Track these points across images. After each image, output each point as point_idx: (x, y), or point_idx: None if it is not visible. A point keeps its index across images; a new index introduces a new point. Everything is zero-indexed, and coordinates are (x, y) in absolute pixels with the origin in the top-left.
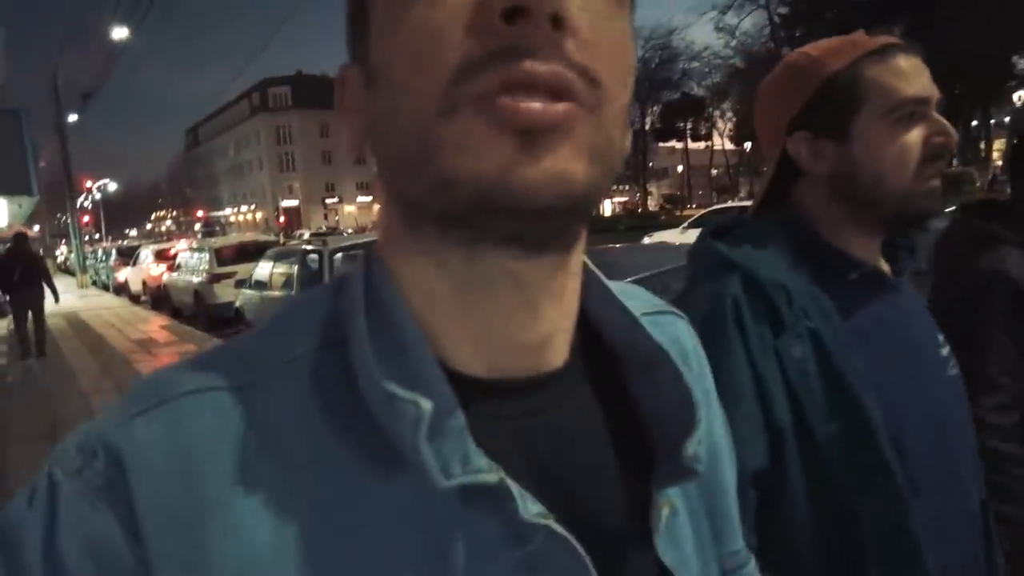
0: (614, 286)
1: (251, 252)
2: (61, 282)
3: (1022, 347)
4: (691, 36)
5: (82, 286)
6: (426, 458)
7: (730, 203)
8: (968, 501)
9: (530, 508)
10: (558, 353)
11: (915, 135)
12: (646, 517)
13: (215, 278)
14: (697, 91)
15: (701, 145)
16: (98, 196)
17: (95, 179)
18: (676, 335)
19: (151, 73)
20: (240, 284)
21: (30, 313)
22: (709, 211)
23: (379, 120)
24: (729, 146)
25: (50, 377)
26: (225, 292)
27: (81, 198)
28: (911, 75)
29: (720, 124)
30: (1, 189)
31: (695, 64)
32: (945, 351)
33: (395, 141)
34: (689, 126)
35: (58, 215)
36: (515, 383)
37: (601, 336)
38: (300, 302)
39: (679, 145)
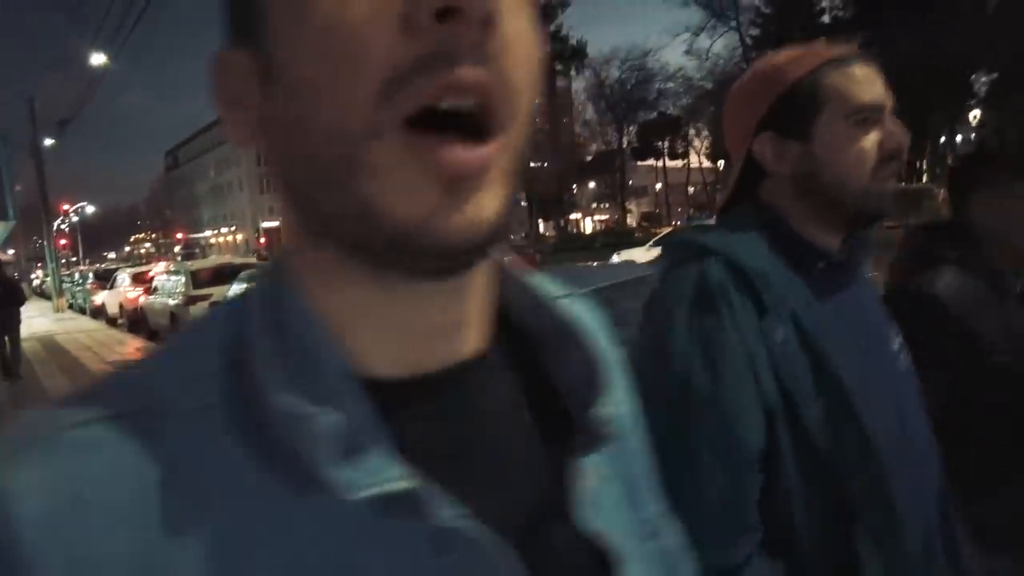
0: (528, 277)
1: (227, 274)
2: (37, 306)
3: (942, 365)
4: (666, 57)
5: (58, 310)
6: (330, 473)
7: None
8: (928, 490)
9: (444, 512)
10: (472, 342)
11: (871, 138)
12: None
13: (191, 300)
14: (673, 111)
15: (679, 163)
16: (75, 219)
17: (72, 202)
18: (577, 314)
19: (130, 96)
20: (215, 306)
21: (6, 337)
22: (673, 230)
23: (285, 124)
24: (706, 164)
25: (25, 400)
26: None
27: (58, 221)
28: (867, 82)
29: (696, 143)
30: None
31: (670, 84)
32: (897, 343)
33: (308, 152)
34: (666, 145)
35: (34, 238)
36: (432, 378)
37: (520, 324)
38: (202, 321)
39: (658, 163)
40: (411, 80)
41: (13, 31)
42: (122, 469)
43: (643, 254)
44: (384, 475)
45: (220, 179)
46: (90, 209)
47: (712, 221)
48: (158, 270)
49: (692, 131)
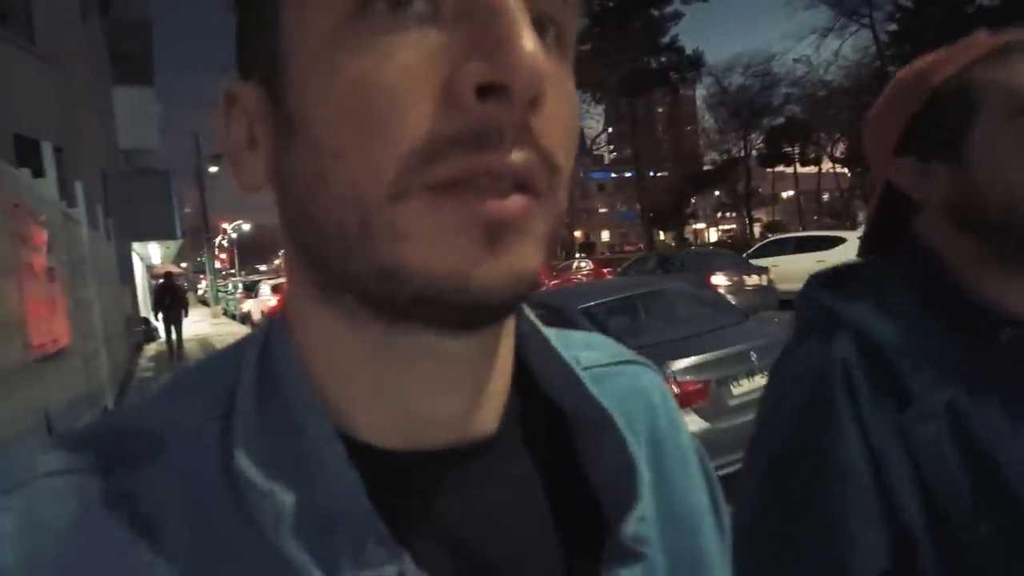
0: (564, 337)
1: None
2: (199, 312)
3: None
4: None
5: (215, 316)
6: (296, 558)
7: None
8: None
9: None
10: (486, 422)
11: None
12: None
13: None
14: (801, 115)
15: (813, 169)
16: (233, 236)
17: (231, 221)
18: (639, 386)
19: None
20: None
21: (173, 328)
22: (768, 241)
23: (300, 179)
24: (841, 169)
25: None
26: None
27: (218, 238)
28: None
29: (830, 148)
30: (154, 235)
31: (796, 89)
32: None
33: (326, 212)
34: (796, 151)
35: (200, 253)
36: (436, 456)
37: (544, 394)
38: (198, 368)
39: (787, 170)
40: (446, 156)
41: (180, 71)
42: (88, 526)
43: None
44: (368, 558)
45: None
46: (246, 227)
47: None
48: None
49: (823, 135)
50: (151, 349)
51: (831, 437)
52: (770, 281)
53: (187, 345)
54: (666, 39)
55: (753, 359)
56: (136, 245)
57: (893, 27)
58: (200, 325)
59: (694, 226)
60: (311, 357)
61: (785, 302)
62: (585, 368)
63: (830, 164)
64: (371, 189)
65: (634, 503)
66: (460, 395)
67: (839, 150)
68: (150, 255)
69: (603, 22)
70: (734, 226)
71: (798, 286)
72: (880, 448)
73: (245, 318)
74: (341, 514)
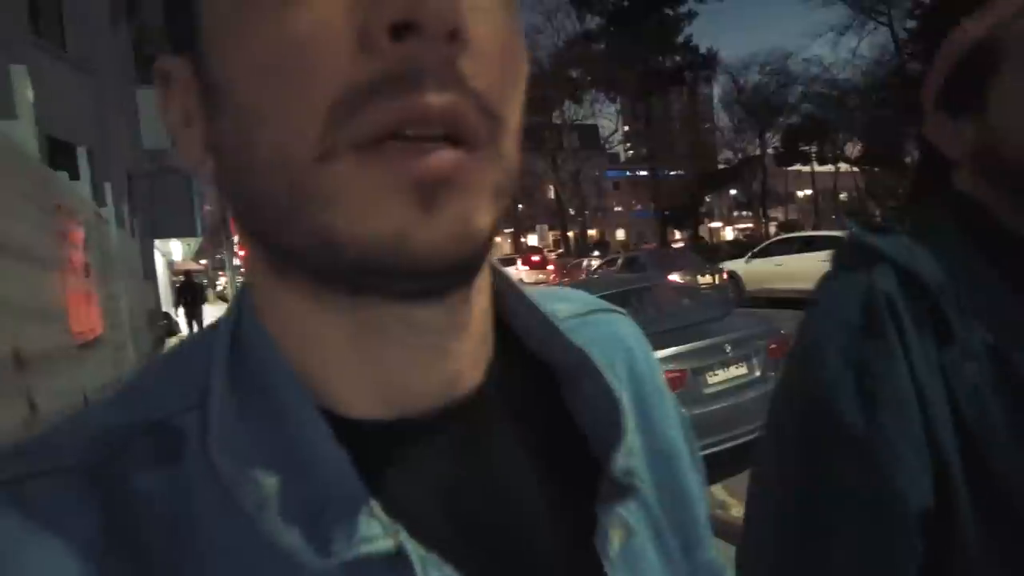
0: (539, 292)
1: None
2: (219, 308)
3: None
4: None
5: None
6: (286, 542)
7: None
8: None
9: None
10: (470, 384)
11: None
12: (595, 545)
13: None
14: (818, 113)
15: (829, 168)
16: None
17: None
18: (613, 331)
19: None
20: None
21: (194, 322)
22: (774, 240)
23: (229, 149)
24: (853, 169)
25: None
26: None
27: (237, 236)
28: None
29: (848, 147)
30: (175, 233)
31: (813, 87)
32: None
33: (255, 181)
34: (814, 149)
35: (220, 251)
36: (424, 419)
37: (524, 346)
38: (170, 355)
39: (805, 169)
40: (365, 105)
41: None
42: (69, 528)
43: (742, 266)
44: (361, 534)
45: None
46: None
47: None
48: None
49: (841, 135)
50: (173, 341)
51: (884, 364)
52: (723, 281)
53: None
54: (680, 38)
55: (728, 351)
56: (158, 242)
57: (912, 24)
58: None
59: (710, 225)
60: (282, 334)
61: (787, 301)
62: (563, 319)
63: (847, 163)
64: (296, 152)
65: (620, 437)
66: (437, 360)
67: (856, 149)
68: (172, 252)
69: (617, 21)
70: (751, 225)
71: (804, 285)
72: (923, 383)
73: None
74: (331, 493)
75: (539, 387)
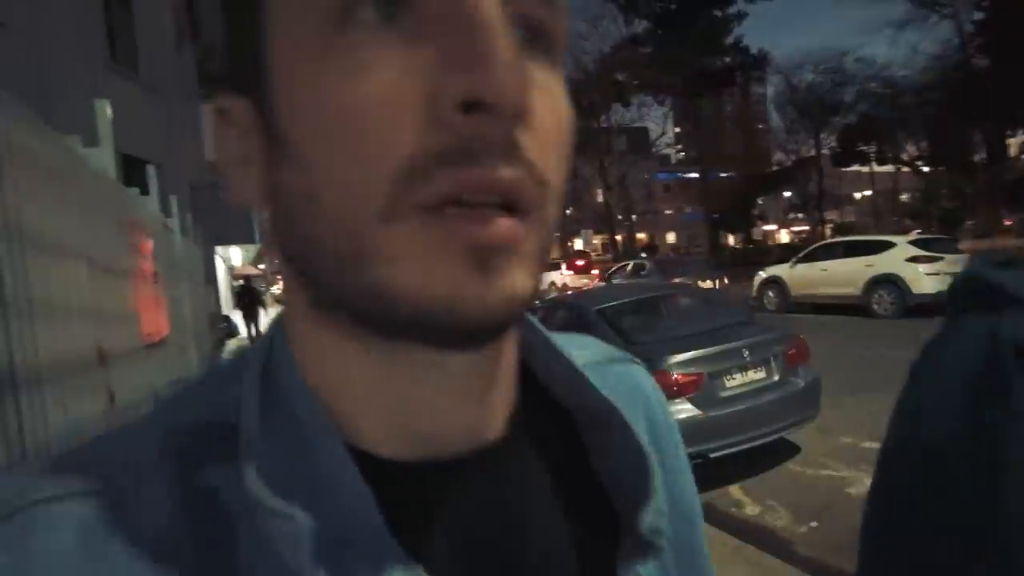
0: (560, 338)
1: None
2: (275, 310)
3: None
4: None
5: None
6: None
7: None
8: None
9: None
10: (494, 428)
11: None
12: None
13: None
14: (877, 112)
15: (889, 168)
16: None
17: None
18: (634, 383)
19: None
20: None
21: (252, 325)
22: (819, 245)
23: (291, 197)
24: (906, 169)
25: None
26: None
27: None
28: None
29: (909, 146)
30: (235, 240)
31: (872, 85)
32: None
33: (317, 231)
34: (873, 149)
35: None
36: (445, 465)
37: (548, 392)
38: (197, 383)
39: (864, 169)
40: (432, 173)
41: None
42: (87, 554)
43: (787, 271)
44: (384, 571)
45: None
46: None
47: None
48: None
49: (901, 134)
50: (232, 344)
51: (1009, 430)
52: (724, 285)
53: None
54: (730, 39)
55: (745, 356)
56: (219, 249)
57: (980, 15)
58: None
59: (763, 228)
60: (314, 368)
61: (832, 306)
62: (581, 367)
63: (908, 163)
64: (361, 210)
65: (650, 495)
66: (466, 405)
67: (918, 149)
68: (231, 257)
69: (665, 24)
70: (806, 228)
71: (849, 290)
72: None
73: None
74: (355, 529)
75: (562, 433)
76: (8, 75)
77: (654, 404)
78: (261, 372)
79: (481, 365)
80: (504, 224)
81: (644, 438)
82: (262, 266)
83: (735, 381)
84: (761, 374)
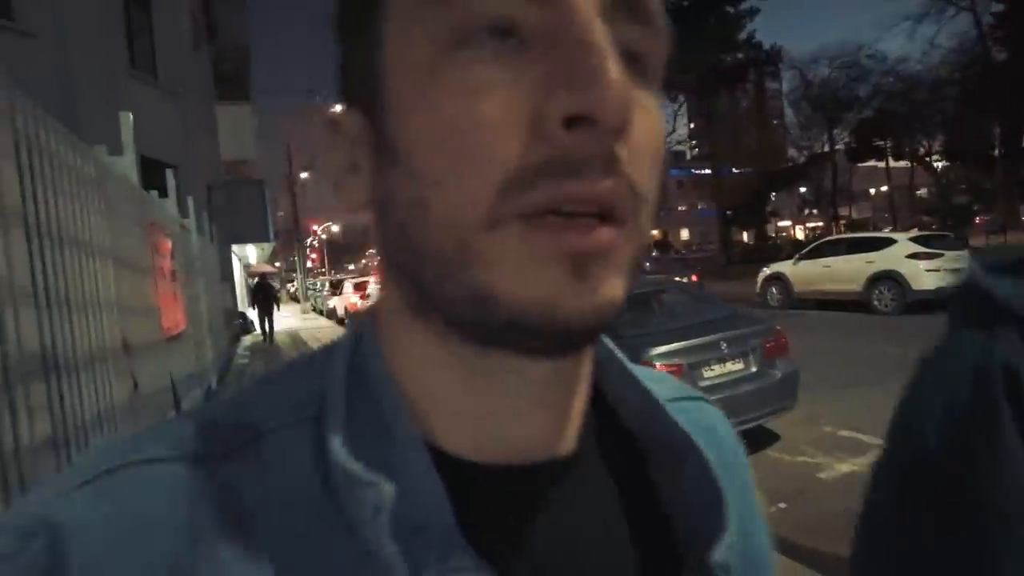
0: (637, 370)
1: None
2: (289, 308)
3: None
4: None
5: (304, 312)
6: (388, 553)
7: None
8: None
9: None
10: (566, 442)
11: None
12: None
13: None
14: (893, 107)
15: (905, 164)
16: (323, 237)
17: (320, 222)
18: (708, 423)
19: None
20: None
21: (267, 321)
22: (823, 241)
23: (400, 203)
24: (941, 163)
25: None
26: None
27: (309, 239)
28: None
29: (926, 142)
30: (251, 239)
31: (888, 79)
32: None
33: (424, 236)
34: (889, 145)
35: (293, 253)
36: (517, 471)
37: (619, 420)
38: (285, 369)
39: (880, 165)
40: (534, 184)
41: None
42: (178, 514)
43: (790, 267)
44: (454, 563)
45: None
46: (335, 228)
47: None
48: (373, 280)
49: (919, 128)
50: (247, 340)
51: (994, 463)
52: (692, 281)
53: (278, 337)
54: (743, 35)
55: (723, 348)
56: (235, 247)
57: (999, 7)
58: (291, 320)
59: (778, 223)
60: (400, 368)
61: (835, 302)
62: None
63: (925, 158)
64: (468, 217)
65: (723, 531)
66: (542, 414)
67: (934, 143)
68: (247, 255)
69: (676, 21)
70: (820, 223)
71: (851, 287)
72: None
73: (331, 313)
74: (427, 518)
75: (628, 458)
76: (38, 86)
77: (725, 442)
78: (349, 362)
79: (562, 375)
80: (603, 232)
81: (719, 475)
82: (277, 264)
83: (713, 372)
84: (739, 365)
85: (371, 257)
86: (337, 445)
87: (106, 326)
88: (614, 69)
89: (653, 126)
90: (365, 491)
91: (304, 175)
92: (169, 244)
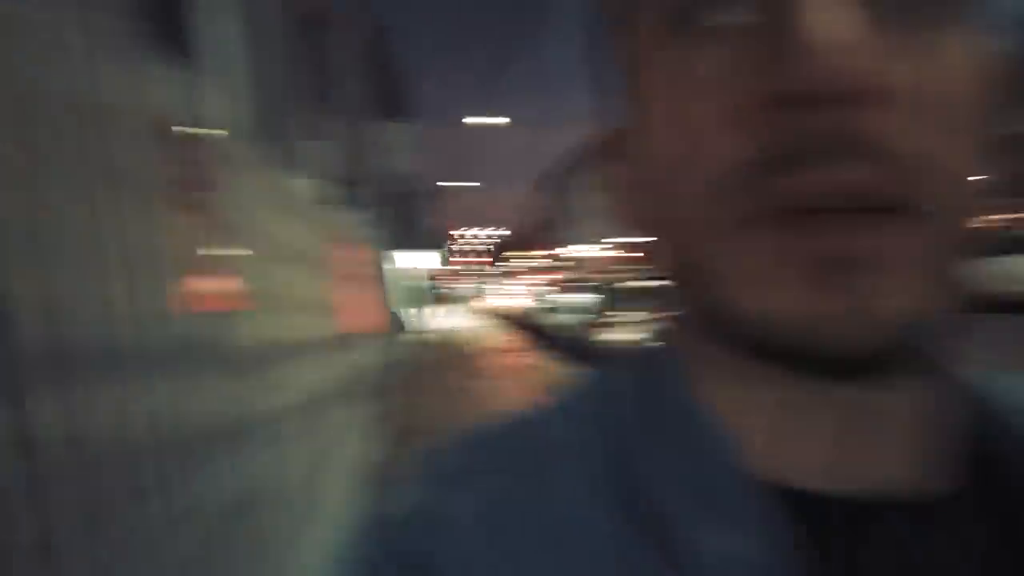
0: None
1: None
2: (444, 309)
3: None
4: None
5: (459, 312)
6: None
7: None
8: None
9: None
10: (914, 481)
11: None
12: None
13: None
14: None
15: None
16: (475, 242)
17: (465, 227)
18: None
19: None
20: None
21: (420, 321)
22: None
23: (649, 224)
24: None
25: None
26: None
27: (458, 244)
28: None
29: None
30: (411, 246)
31: None
32: None
33: (666, 251)
34: None
35: (448, 259)
36: (869, 501)
37: (996, 463)
38: (579, 390)
39: None
40: (755, 183)
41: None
42: (520, 517)
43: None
44: None
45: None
46: (505, 232)
47: None
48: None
49: None
50: (403, 338)
51: None
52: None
53: (432, 337)
54: None
55: None
56: (396, 253)
57: None
58: (446, 320)
59: None
60: (697, 384)
61: None
62: None
63: None
64: (691, 229)
65: None
66: (848, 442)
67: None
68: (409, 261)
69: None
70: None
71: None
72: None
73: (480, 314)
74: (760, 559)
75: (993, 501)
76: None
77: None
78: (641, 385)
79: (866, 399)
80: (862, 228)
81: None
82: (437, 267)
83: None
84: None
85: (532, 256)
86: (657, 487)
87: (306, 324)
88: (829, 24)
89: (950, 73)
90: (682, 534)
91: (443, 184)
92: (346, 252)
